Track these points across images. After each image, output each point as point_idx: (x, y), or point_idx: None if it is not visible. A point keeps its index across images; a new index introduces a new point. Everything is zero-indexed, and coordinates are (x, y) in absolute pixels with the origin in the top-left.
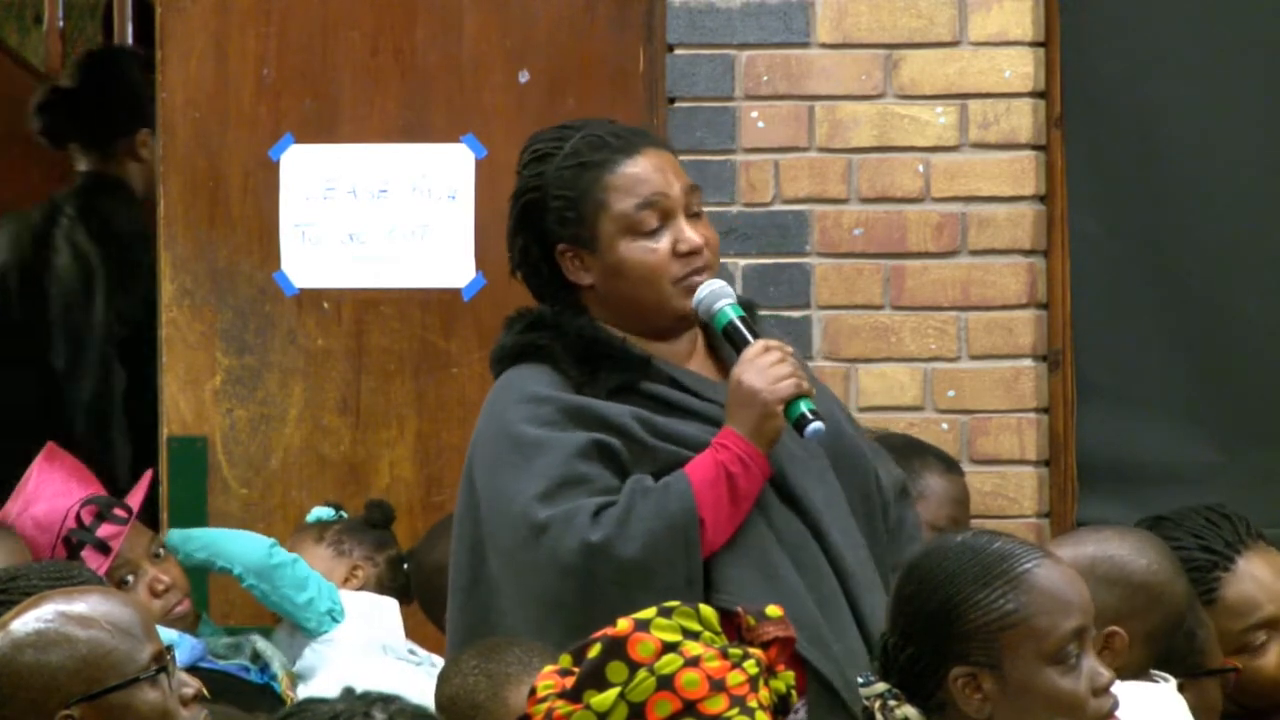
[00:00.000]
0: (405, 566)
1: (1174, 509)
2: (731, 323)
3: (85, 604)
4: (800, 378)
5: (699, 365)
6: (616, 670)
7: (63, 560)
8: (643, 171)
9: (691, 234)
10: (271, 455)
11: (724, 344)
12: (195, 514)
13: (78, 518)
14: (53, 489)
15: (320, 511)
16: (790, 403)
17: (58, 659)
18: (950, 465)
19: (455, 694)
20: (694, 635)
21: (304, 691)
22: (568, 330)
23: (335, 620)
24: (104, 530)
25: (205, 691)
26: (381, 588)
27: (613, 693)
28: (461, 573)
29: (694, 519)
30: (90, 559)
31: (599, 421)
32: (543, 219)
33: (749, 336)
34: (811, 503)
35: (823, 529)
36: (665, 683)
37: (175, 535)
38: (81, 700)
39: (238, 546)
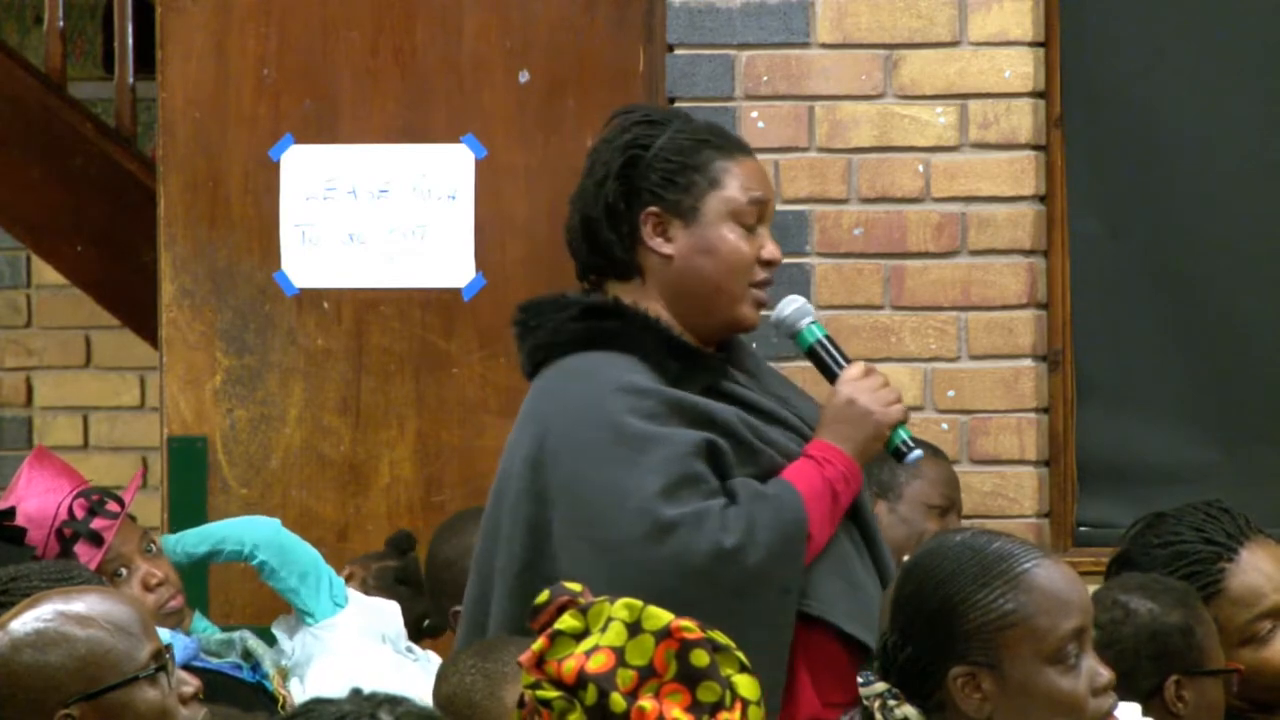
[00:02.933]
0: (397, 580)
1: (1181, 503)
2: (820, 341)
3: (84, 603)
4: (904, 403)
5: None
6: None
7: (61, 560)
8: (755, 173)
9: (775, 247)
10: (272, 455)
11: (749, 374)
12: (195, 513)
13: (70, 510)
14: (43, 485)
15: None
16: (892, 429)
17: (57, 658)
18: (935, 451)
19: (453, 693)
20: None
21: (308, 680)
22: (635, 320)
23: (338, 605)
24: (96, 523)
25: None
26: (366, 590)
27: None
28: (514, 557)
29: (805, 531)
30: (82, 552)
31: (707, 420)
32: (644, 177)
33: (843, 358)
34: (866, 509)
35: (873, 534)
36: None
37: (168, 540)
38: (81, 699)
39: (242, 526)
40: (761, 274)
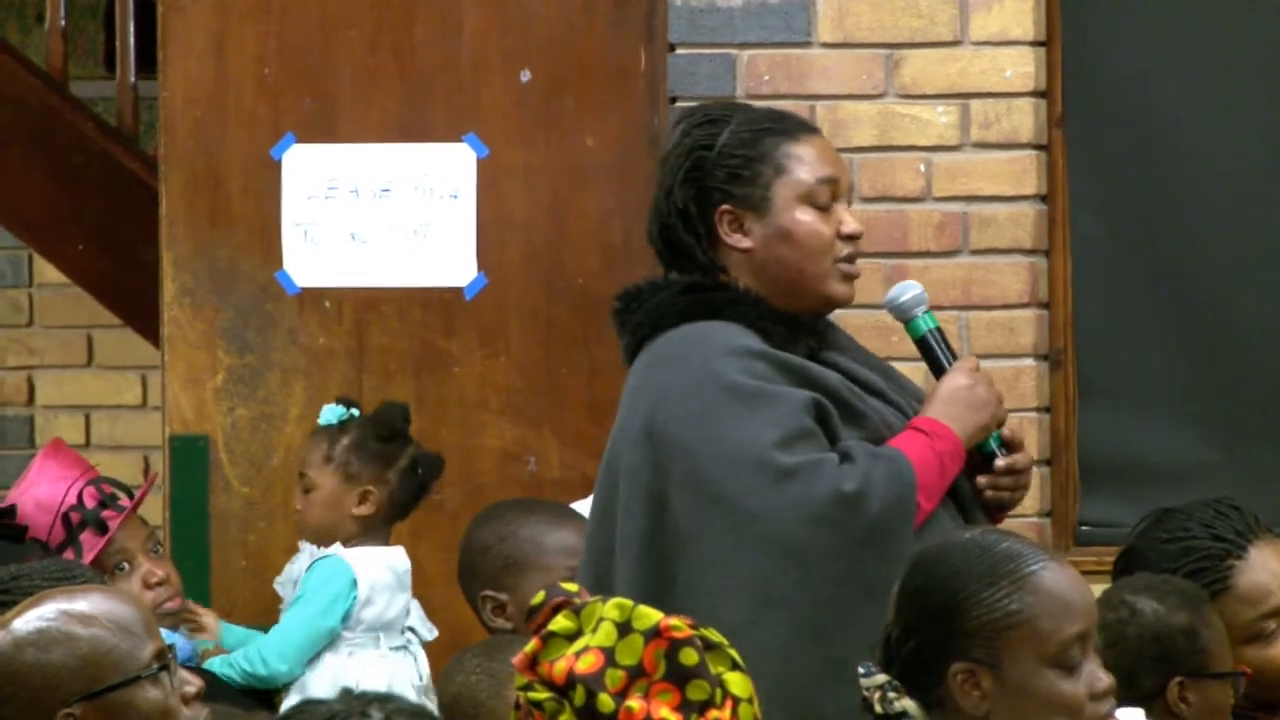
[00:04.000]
0: (419, 471)
1: (1182, 502)
2: (934, 331)
3: (86, 602)
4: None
5: None
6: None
7: (63, 559)
8: (821, 151)
9: (853, 220)
10: (273, 454)
11: (838, 350)
12: (197, 512)
13: (79, 496)
14: (55, 472)
15: (331, 412)
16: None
17: (59, 657)
18: None
19: (458, 693)
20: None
21: (308, 684)
22: (734, 292)
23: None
24: (105, 514)
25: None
26: (393, 502)
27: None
28: (637, 524)
29: (914, 497)
30: (86, 540)
31: (814, 382)
32: (710, 177)
33: (952, 352)
34: (965, 494)
35: (970, 518)
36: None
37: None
38: (83, 699)
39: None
40: (845, 249)
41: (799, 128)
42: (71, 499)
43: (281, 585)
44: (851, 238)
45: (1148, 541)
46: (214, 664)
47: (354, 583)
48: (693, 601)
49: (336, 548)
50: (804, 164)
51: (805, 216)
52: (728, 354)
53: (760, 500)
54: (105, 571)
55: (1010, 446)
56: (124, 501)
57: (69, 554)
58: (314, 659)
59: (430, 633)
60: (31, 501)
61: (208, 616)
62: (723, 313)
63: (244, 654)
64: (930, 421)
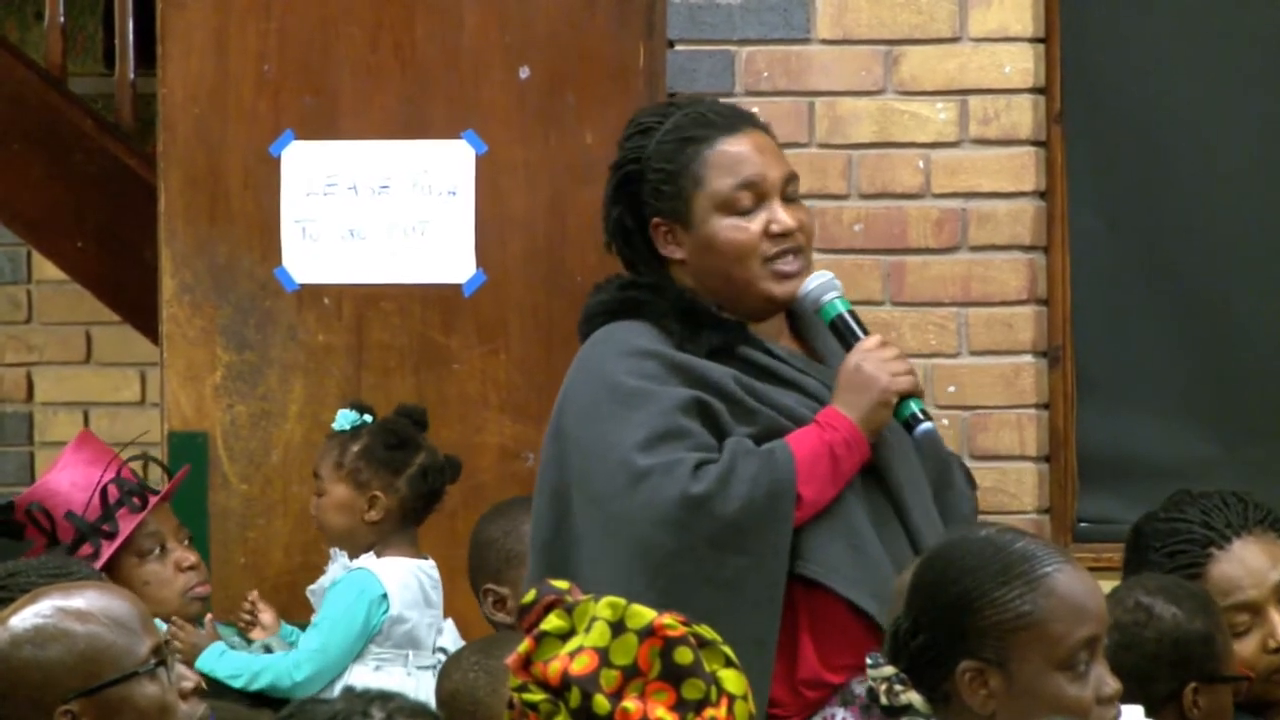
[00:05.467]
0: (429, 478)
1: (1202, 488)
2: (841, 315)
3: (83, 599)
4: (916, 376)
5: (786, 346)
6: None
7: (60, 556)
8: (743, 151)
9: (785, 216)
10: (272, 450)
11: (817, 334)
12: (196, 509)
13: (118, 472)
14: (91, 456)
15: (345, 417)
16: (902, 399)
17: (56, 654)
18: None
19: (455, 690)
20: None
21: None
22: (666, 291)
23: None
24: (122, 514)
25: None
26: (404, 510)
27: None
28: (541, 528)
29: (792, 491)
30: (124, 517)
31: (701, 380)
32: (640, 191)
33: (860, 330)
34: (896, 480)
35: (905, 505)
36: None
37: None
38: (80, 695)
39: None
40: (774, 248)
41: (725, 129)
42: (110, 475)
43: (313, 594)
44: (781, 235)
45: (1149, 517)
46: (217, 667)
47: (384, 596)
48: None
49: (368, 558)
50: (722, 171)
51: (724, 226)
52: (623, 354)
53: (619, 502)
54: (139, 553)
55: None
56: (146, 498)
57: (106, 528)
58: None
59: None
60: (67, 480)
61: (267, 614)
62: (638, 312)
63: (269, 666)
64: (826, 411)
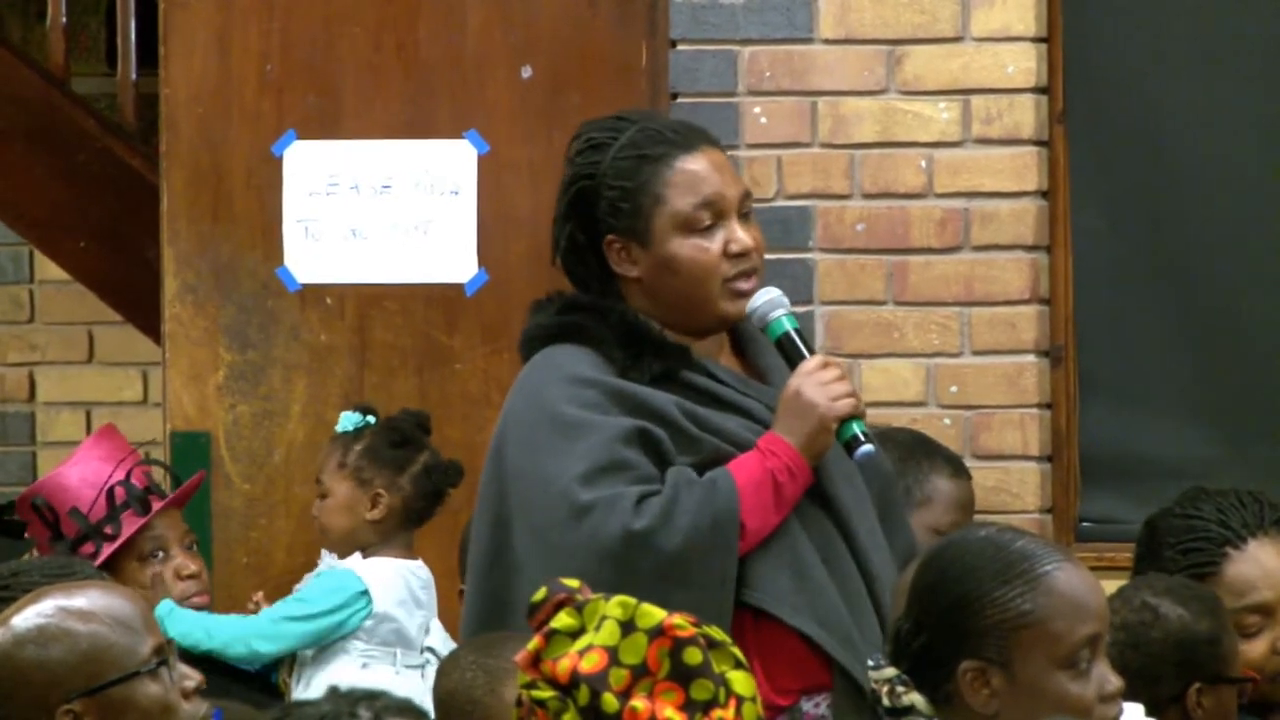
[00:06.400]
0: (432, 477)
1: (1218, 486)
2: (787, 333)
3: (85, 599)
4: (857, 398)
5: (726, 364)
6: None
7: (64, 556)
8: (702, 170)
9: (744, 235)
10: (274, 450)
11: (759, 350)
12: (198, 508)
13: (128, 474)
14: (106, 452)
15: (348, 419)
16: (844, 421)
17: (59, 654)
18: (958, 469)
19: (453, 689)
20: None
21: (314, 685)
22: (608, 314)
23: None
24: (150, 497)
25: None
26: (408, 509)
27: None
28: (482, 551)
29: (736, 520)
30: (127, 519)
31: (643, 408)
32: (594, 208)
33: (805, 350)
34: (841, 503)
35: (850, 529)
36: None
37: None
38: (83, 695)
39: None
40: (733, 268)
41: (683, 146)
42: (120, 475)
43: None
44: (740, 255)
45: (1164, 513)
46: (166, 625)
47: (363, 594)
48: (522, 628)
49: (355, 558)
50: (682, 190)
51: (685, 246)
52: (563, 381)
53: (560, 535)
54: (140, 556)
55: None
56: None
57: (108, 529)
58: (323, 665)
59: None
60: (77, 475)
61: None
62: (579, 337)
63: (222, 628)
64: (768, 437)
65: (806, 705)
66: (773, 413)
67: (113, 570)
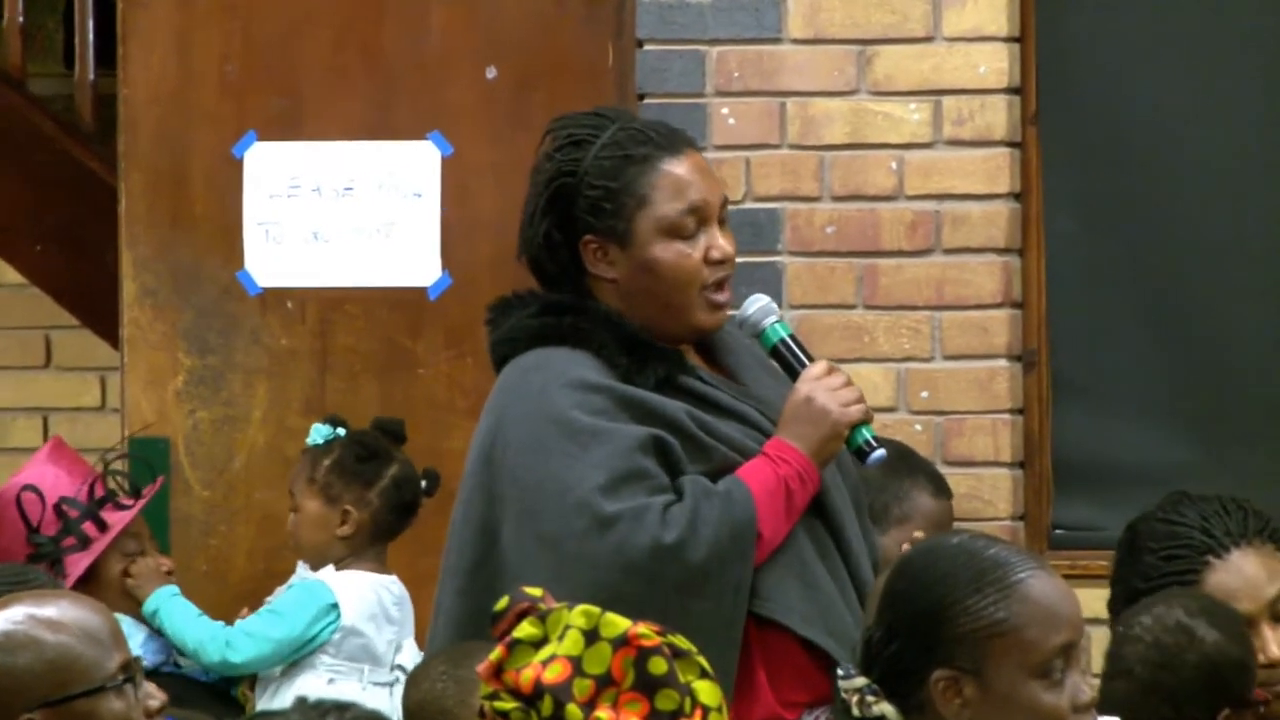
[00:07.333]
0: (401, 490)
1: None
2: (784, 340)
3: (56, 608)
4: (866, 404)
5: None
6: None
7: (17, 566)
8: (687, 174)
9: (723, 242)
10: (235, 456)
11: (730, 353)
12: (157, 515)
13: (89, 491)
14: (63, 468)
15: (318, 432)
16: (853, 428)
17: (25, 661)
18: (940, 488)
19: (423, 699)
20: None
21: (280, 697)
22: (594, 315)
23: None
24: (106, 511)
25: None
26: (377, 524)
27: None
28: (464, 554)
29: (754, 530)
30: (111, 515)
31: (655, 416)
32: (573, 205)
33: (806, 357)
34: (835, 510)
35: (844, 536)
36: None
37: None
38: (45, 705)
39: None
40: (713, 275)
41: (667, 149)
42: (84, 497)
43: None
44: (720, 263)
45: (1147, 517)
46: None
47: (333, 606)
48: None
49: (326, 571)
50: (667, 193)
51: (667, 251)
52: (565, 386)
53: (580, 545)
54: (124, 553)
55: None
56: (125, 500)
57: (68, 541)
58: (289, 680)
59: None
60: (31, 495)
61: None
62: (571, 339)
63: (192, 631)
64: (776, 444)
65: (807, 719)
66: (764, 416)
67: (92, 568)
